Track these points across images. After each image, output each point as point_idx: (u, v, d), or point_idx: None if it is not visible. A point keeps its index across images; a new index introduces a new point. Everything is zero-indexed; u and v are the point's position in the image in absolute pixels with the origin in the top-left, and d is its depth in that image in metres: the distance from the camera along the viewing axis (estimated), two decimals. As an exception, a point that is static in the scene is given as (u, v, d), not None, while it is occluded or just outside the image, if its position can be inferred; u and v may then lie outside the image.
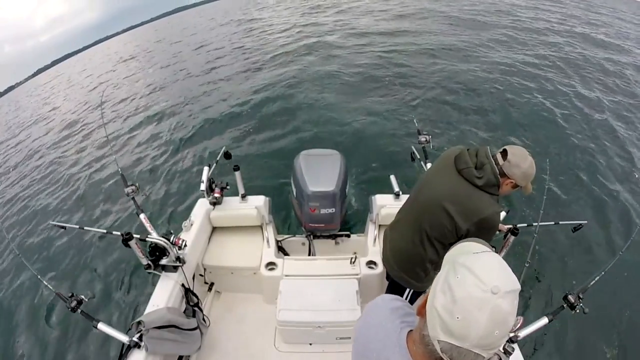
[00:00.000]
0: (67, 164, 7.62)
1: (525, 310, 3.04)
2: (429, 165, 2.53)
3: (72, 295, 1.63)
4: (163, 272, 2.08)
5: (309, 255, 2.72)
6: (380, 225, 2.63)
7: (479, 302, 0.58)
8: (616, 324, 3.13)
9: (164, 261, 2.05)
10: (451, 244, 1.59)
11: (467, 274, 0.61)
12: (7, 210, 6.33)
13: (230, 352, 2.23)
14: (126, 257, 3.99)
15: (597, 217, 4.33)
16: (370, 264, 2.38)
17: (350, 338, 2.10)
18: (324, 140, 6.10)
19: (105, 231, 1.98)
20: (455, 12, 15.86)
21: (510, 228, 1.97)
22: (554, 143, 5.84)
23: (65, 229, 2.01)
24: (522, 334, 1.51)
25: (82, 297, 1.65)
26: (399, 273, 1.79)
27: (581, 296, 1.57)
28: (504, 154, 1.44)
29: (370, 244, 2.52)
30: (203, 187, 2.46)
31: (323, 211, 2.39)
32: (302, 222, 2.55)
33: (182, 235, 2.24)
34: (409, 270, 1.74)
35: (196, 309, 2.08)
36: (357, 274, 2.31)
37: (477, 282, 0.59)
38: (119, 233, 1.85)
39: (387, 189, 2.72)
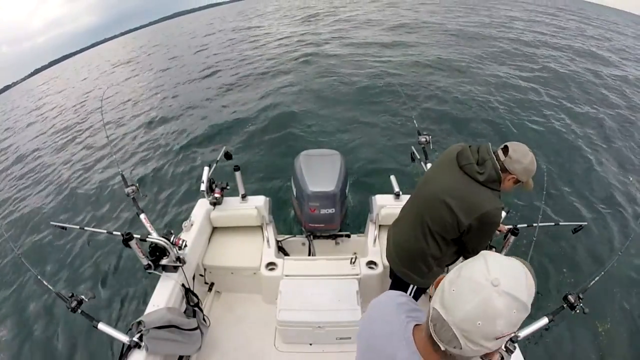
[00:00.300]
0: (67, 164, 7.62)
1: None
2: (429, 165, 2.53)
3: (73, 296, 1.63)
4: (163, 272, 2.08)
5: (309, 255, 2.72)
6: (380, 226, 2.63)
7: (476, 286, 0.61)
8: (616, 323, 3.13)
9: (164, 261, 2.05)
10: (453, 240, 1.61)
11: (481, 261, 0.64)
12: (8, 210, 6.33)
13: (231, 352, 2.22)
14: (126, 258, 3.99)
15: (597, 217, 4.34)
16: (371, 264, 2.38)
17: (350, 338, 2.11)
18: (324, 140, 6.11)
19: (105, 231, 1.98)
20: (452, 25, 15.87)
21: (510, 228, 1.98)
22: (554, 145, 5.86)
23: (65, 229, 2.01)
24: (522, 333, 1.51)
25: (83, 297, 1.65)
26: (402, 269, 1.80)
27: (581, 296, 1.58)
28: (505, 150, 1.47)
29: (371, 244, 2.52)
30: (203, 187, 2.46)
31: (323, 211, 2.39)
32: (302, 222, 2.56)
33: (183, 236, 2.24)
34: (412, 265, 1.75)
35: (196, 309, 2.08)
36: (357, 274, 2.31)
37: (484, 270, 0.62)
38: (119, 233, 1.85)
39: (387, 189, 2.72)
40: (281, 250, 2.76)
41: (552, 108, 7.13)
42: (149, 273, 2.04)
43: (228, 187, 2.67)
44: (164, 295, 1.98)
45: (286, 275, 2.32)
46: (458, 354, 0.65)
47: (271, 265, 2.41)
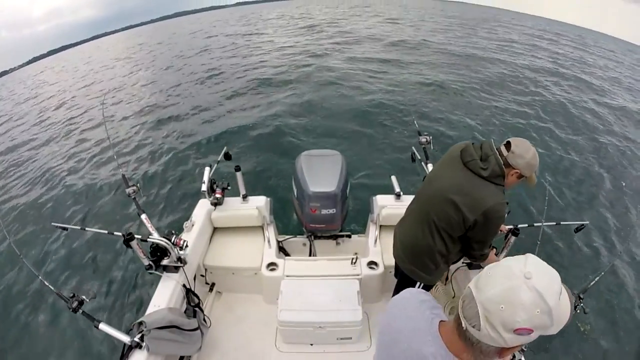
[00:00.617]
0: (68, 164, 7.62)
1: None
2: (429, 165, 2.54)
3: (74, 296, 1.63)
4: (164, 273, 2.08)
5: (310, 255, 2.72)
6: (381, 226, 2.63)
7: (508, 273, 0.66)
8: (616, 323, 3.13)
9: (165, 262, 2.05)
10: (460, 237, 1.62)
11: (523, 257, 0.69)
12: (8, 210, 6.34)
13: (231, 353, 2.22)
14: (127, 258, 4.00)
15: (596, 218, 4.35)
16: (371, 264, 2.38)
17: (351, 338, 2.11)
18: (325, 140, 6.13)
19: (106, 232, 1.98)
20: (452, 47, 15.83)
21: (511, 228, 1.98)
22: (555, 146, 5.87)
23: (67, 230, 2.01)
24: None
25: (84, 297, 1.64)
26: (409, 266, 1.81)
27: (581, 296, 1.58)
28: (508, 145, 1.49)
29: (371, 245, 2.52)
30: (204, 187, 2.46)
31: (324, 212, 2.39)
32: (303, 222, 2.55)
33: (184, 236, 2.24)
34: (419, 262, 1.76)
35: (197, 309, 2.08)
36: (358, 275, 2.31)
37: (522, 264, 0.66)
38: (120, 234, 1.84)
39: (388, 189, 2.72)
40: (282, 250, 2.76)
41: (545, 133, 7.12)
42: (150, 273, 2.04)
43: (229, 188, 2.67)
44: (165, 295, 1.98)
45: (287, 276, 2.32)
46: (476, 336, 0.68)
47: (272, 266, 2.41)
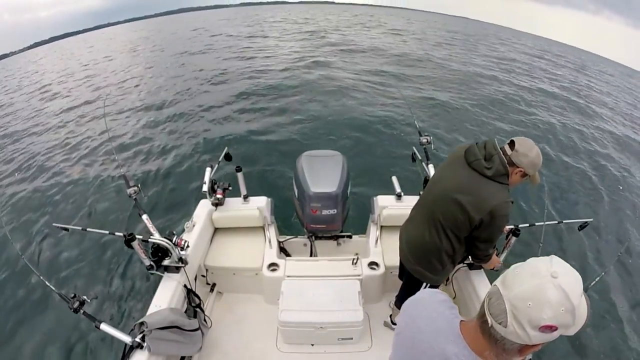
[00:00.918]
0: (68, 164, 7.62)
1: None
2: (430, 166, 2.54)
3: (75, 296, 1.63)
4: (165, 273, 2.08)
5: (311, 256, 2.72)
6: (382, 227, 2.63)
7: (535, 271, 0.67)
8: (617, 323, 3.13)
9: (166, 262, 2.05)
10: (466, 238, 1.63)
11: (548, 258, 0.70)
12: (8, 210, 6.34)
13: (232, 353, 2.23)
14: (129, 258, 4.00)
15: (597, 219, 4.35)
16: (372, 264, 2.38)
17: (352, 339, 2.11)
18: (326, 141, 6.13)
19: (107, 232, 1.99)
20: (453, 65, 15.71)
21: (512, 229, 1.98)
22: (554, 148, 5.87)
23: (68, 230, 2.02)
24: None
25: (85, 298, 1.65)
26: (415, 266, 1.82)
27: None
28: (512, 144, 1.50)
29: (372, 245, 2.52)
30: (205, 188, 2.47)
31: (325, 212, 2.39)
32: (304, 223, 2.55)
33: (185, 236, 2.24)
34: (426, 262, 1.77)
35: (198, 309, 2.08)
36: (358, 275, 2.31)
37: (548, 263, 0.68)
38: (121, 234, 1.85)
39: (389, 190, 2.72)
40: (283, 250, 2.76)
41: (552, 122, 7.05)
42: (151, 274, 2.05)
43: (230, 188, 2.67)
44: (166, 295, 1.98)
45: (288, 276, 2.32)
46: (501, 333, 0.69)
47: (273, 266, 2.41)
